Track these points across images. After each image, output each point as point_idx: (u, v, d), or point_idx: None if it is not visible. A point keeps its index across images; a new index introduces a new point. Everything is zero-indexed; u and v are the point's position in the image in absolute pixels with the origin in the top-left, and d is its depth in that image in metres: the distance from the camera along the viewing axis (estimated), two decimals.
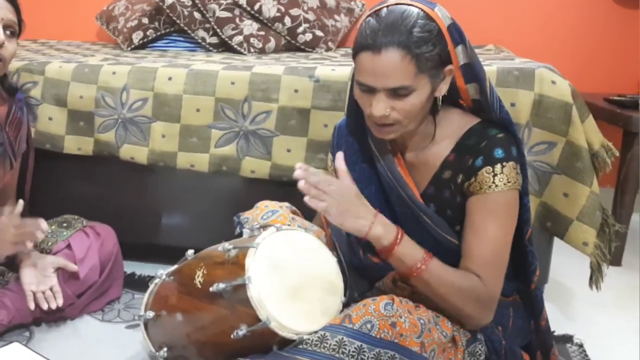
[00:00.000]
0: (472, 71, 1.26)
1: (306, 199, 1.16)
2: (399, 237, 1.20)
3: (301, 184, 1.16)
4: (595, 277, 1.79)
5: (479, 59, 1.27)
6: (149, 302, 1.46)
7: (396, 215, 1.35)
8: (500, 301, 1.35)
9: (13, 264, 1.71)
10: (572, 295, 2.04)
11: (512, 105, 1.72)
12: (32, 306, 1.63)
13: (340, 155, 1.23)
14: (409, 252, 1.21)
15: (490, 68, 1.76)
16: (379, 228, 1.19)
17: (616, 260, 2.26)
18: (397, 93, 1.19)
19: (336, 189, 1.18)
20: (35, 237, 1.54)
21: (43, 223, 1.55)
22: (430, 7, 1.20)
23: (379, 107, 1.20)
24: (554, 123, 1.72)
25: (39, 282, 1.65)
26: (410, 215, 1.32)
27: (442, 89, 1.25)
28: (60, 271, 1.71)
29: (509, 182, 1.23)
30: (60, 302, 1.66)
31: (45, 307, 1.64)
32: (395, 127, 1.24)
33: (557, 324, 1.79)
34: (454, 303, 1.22)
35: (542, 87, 1.72)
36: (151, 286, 1.48)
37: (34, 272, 1.66)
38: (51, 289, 1.66)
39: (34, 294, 1.64)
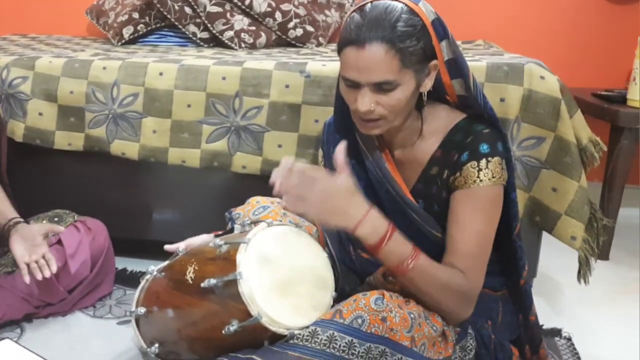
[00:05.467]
0: (457, 66, 1.26)
1: (282, 202, 1.15)
2: (388, 235, 1.18)
3: (276, 189, 1.15)
4: (583, 271, 1.81)
5: (463, 54, 1.28)
6: (140, 298, 1.46)
7: (386, 210, 1.36)
8: (490, 295, 1.37)
9: (2, 239, 1.69)
10: (560, 289, 2.06)
11: (502, 100, 1.73)
12: (27, 280, 1.60)
13: (340, 147, 1.19)
14: (397, 250, 1.19)
15: (480, 63, 1.77)
16: (367, 227, 1.17)
17: (604, 255, 2.28)
18: (381, 88, 1.20)
19: (321, 188, 1.14)
20: (44, 272, 1.61)
21: (54, 265, 1.62)
22: (414, 2, 1.20)
23: (364, 102, 1.21)
24: (542, 118, 1.73)
25: (31, 252, 1.62)
26: (398, 211, 1.33)
27: (427, 85, 1.25)
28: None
29: (493, 177, 1.24)
30: (54, 268, 1.63)
31: (39, 277, 1.60)
32: (381, 122, 1.25)
33: (546, 317, 1.81)
34: (437, 299, 1.22)
35: (531, 82, 1.74)
36: (142, 282, 1.48)
37: (24, 244, 1.63)
38: (44, 257, 1.64)
39: (28, 266, 1.61)
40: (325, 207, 1.15)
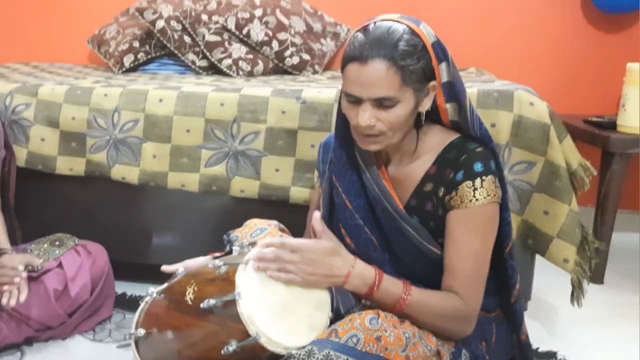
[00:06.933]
0: (453, 90, 1.31)
1: (268, 274, 1.23)
2: (377, 283, 1.25)
3: (257, 265, 1.24)
4: (577, 293, 1.82)
5: (462, 79, 1.32)
6: (140, 319, 1.46)
7: (382, 227, 1.38)
8: (484, 317, 1.39)
9: None
10: (555, 312, 2.07)
11: (493, 126, 1.78)
12: None
13: (316, 216, 1.29)
14: (388, 293, 1.25)
15: (471, 90, 1.81)
16: (355, 281, 1.25)
17: (598, 278, 2.29)
18: (382, 104, 1.24)
19: (301, 258, 1.23)
20: (12, 282, 1.60)
21: (23, 296, 1.61)
22: (415, 24, 1.26)
23: (364, 117, 1.25)
24: (533, 143, 1.77)
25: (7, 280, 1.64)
26: (395, 227, 1.35)
27: (426, 104, 1.29)
28: (52, 290, 1.72)
29: (488, 195, 1.28)
30: (22, 298, 1.63)
31: (4, 302, 1.62)
32: (380, 138, 1.28)
33: (541, 340, 1.82)
34: (438, 326, 1.27)
35: (520, 108, 1.78)
36: (142, 304, 1.49)
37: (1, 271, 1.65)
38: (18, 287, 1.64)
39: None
40: (309, 273, 1.23)
